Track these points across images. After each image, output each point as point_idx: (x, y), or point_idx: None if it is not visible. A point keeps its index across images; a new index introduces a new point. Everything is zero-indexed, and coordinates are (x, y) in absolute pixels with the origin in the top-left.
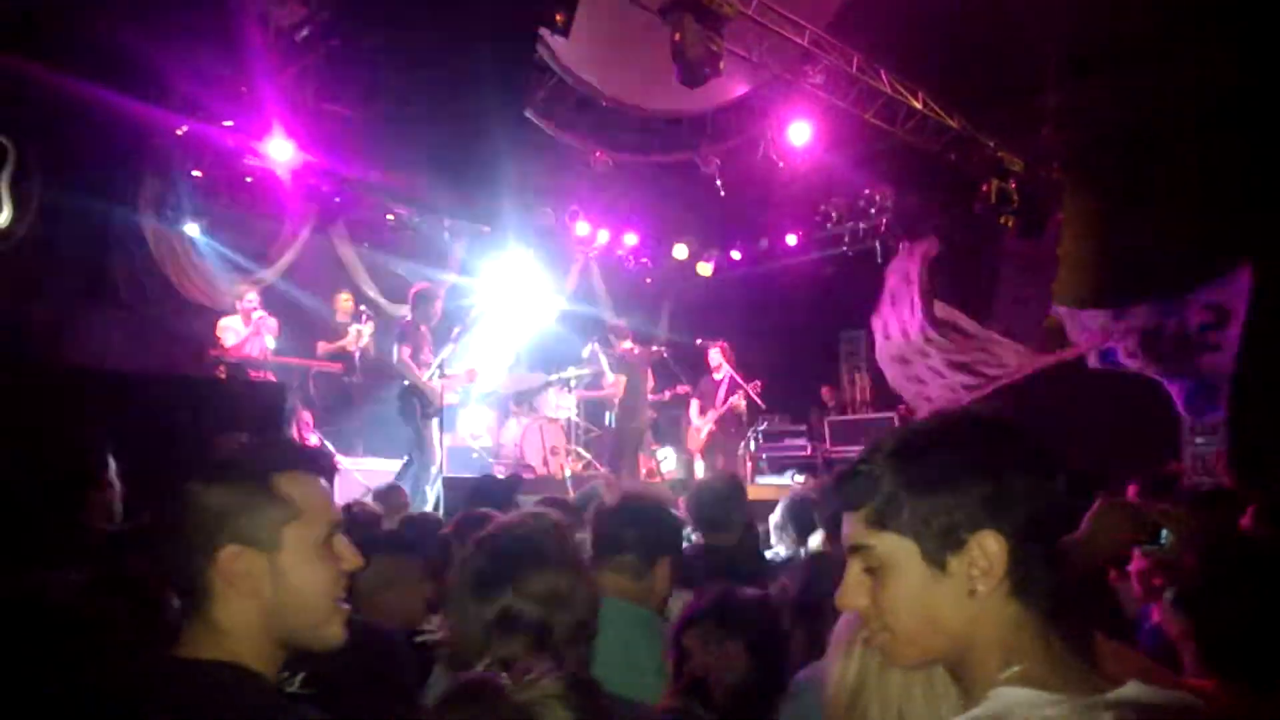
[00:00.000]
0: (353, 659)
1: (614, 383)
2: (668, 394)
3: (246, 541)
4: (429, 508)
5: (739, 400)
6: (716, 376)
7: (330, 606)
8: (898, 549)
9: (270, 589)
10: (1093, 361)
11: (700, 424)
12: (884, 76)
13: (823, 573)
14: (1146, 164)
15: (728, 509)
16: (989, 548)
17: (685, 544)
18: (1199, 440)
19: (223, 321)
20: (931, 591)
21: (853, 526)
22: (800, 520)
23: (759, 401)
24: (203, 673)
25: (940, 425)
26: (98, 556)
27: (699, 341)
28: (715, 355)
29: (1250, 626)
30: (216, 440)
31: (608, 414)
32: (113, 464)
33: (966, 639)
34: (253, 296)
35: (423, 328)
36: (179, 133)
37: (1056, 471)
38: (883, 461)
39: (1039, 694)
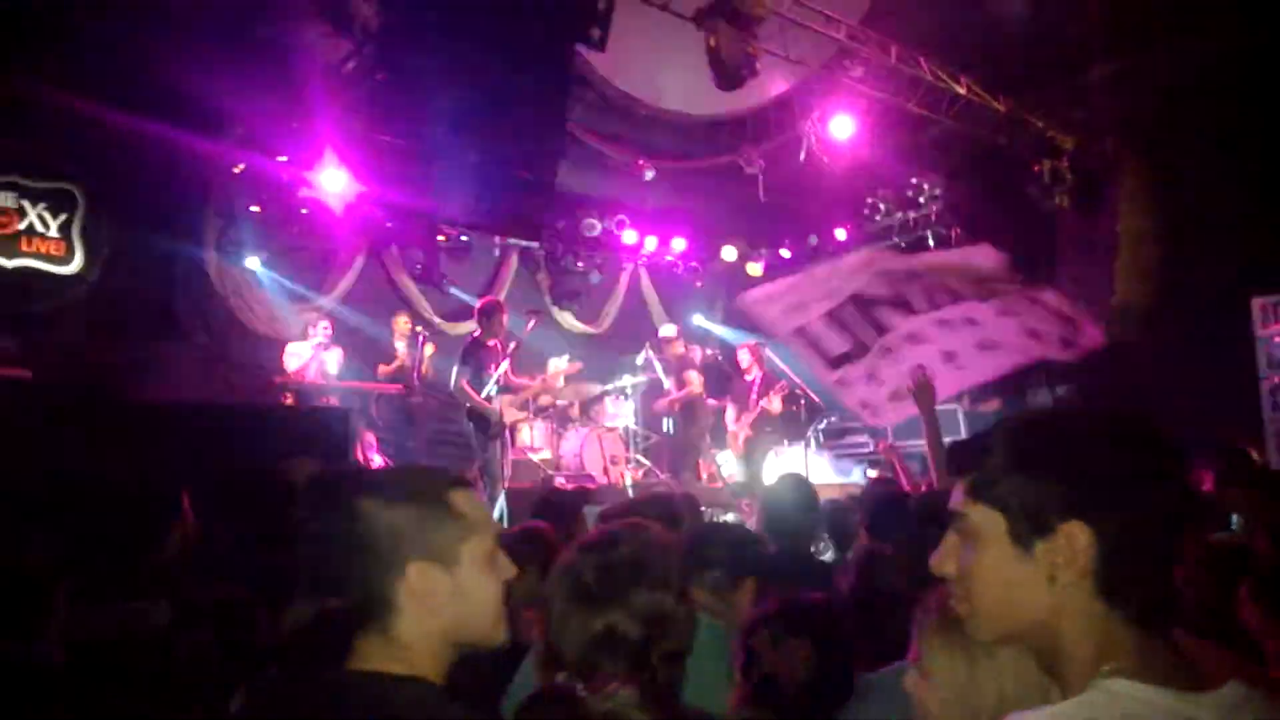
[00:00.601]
0: None
1: (682, 388)
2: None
3: (432, 558)
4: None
5: (771, 402)
6: (748, 378)
7: (499, 615)
8: (987, 522)
9: (451, 604)
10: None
11: (736, 428)
12: (924, 65)
13: (877, 571)
14: (1204, 131)
15: (800, 516)
16: (1076, 539)
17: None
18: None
19: (290, 347)
20: (1014, 571)
21: (956, 493)
22: (837, 529)
23: (814, 398)
24: (393, 686)
25: (1067, 412)
26: (180, 586)
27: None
28: (745, 356)
29: None
30: (286, 464)
31: (665, 420)
32: (187, 496)
33: (1050, 629)
34: (325, 325)
35: (490, 342)
36: (237, 170)
37: (1176, 478)
38: (999, 435)
39: (1144, 687)
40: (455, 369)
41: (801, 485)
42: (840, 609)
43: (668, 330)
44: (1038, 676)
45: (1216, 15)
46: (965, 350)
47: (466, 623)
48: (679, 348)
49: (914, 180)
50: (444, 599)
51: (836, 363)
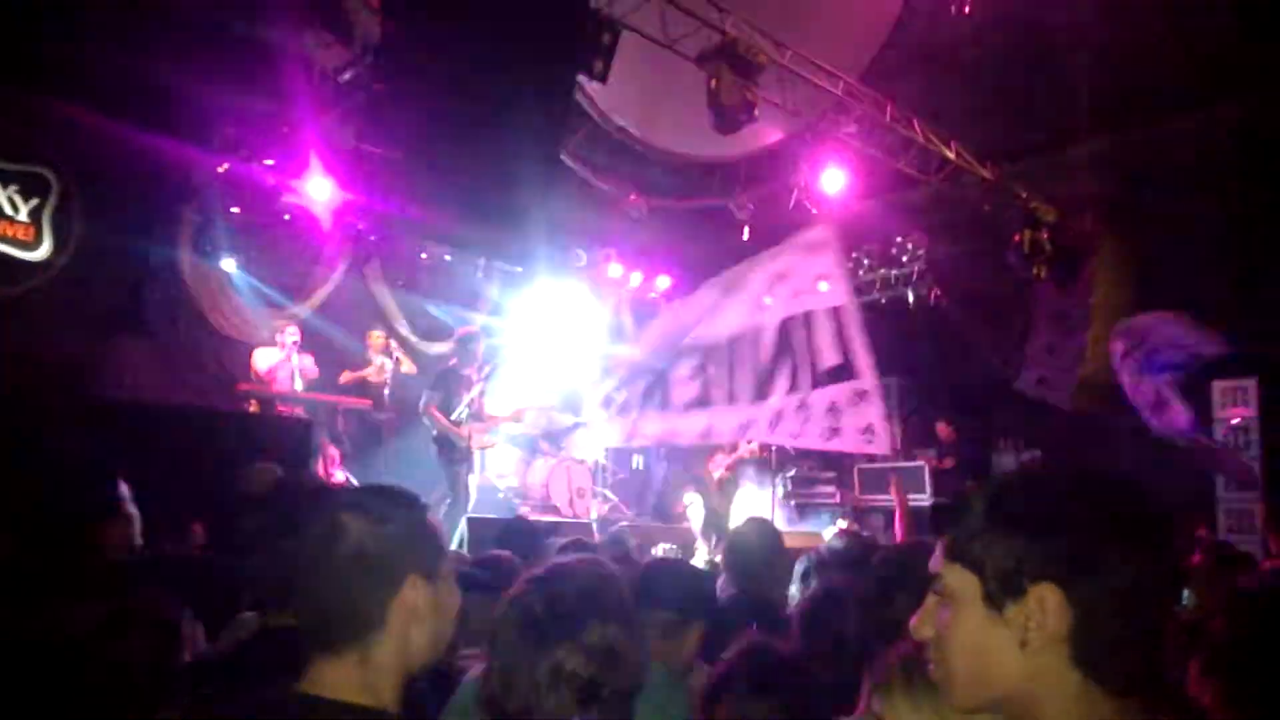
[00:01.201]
0: None
1: None
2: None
3: (423, 572)
4: (453, 547)
5: (752, 445)
6: None
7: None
8: (963, 583)
9: (432, 619)
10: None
11: (712, 469)
12: (916, 126)
13: (831, 615)
14: (1177, 214)
15: (768, 562)
16: (1047, 601)
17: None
18: (1235, 496)
19: (258, 352)
20: (987, 634)
21: (936, 554)
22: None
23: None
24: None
25: (1053, 471)
26: (116, 589)
27: None
28: None
29: None
30: (250, 468)
31: (635, 457)
32: (128, 494)
33: (1026, 698)
34: (293, 330)
35: (465, 371)
36: (220, 170)
37: (1159, 545)
38: (978, 494)
39: None
40: (425, 392)
41: (767, 529)
42: (808, 663)
43: None
44: None
45: (1195, 99)
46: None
47: (437, 640)
48: None
49: (899, 239)
50: (427, 614)
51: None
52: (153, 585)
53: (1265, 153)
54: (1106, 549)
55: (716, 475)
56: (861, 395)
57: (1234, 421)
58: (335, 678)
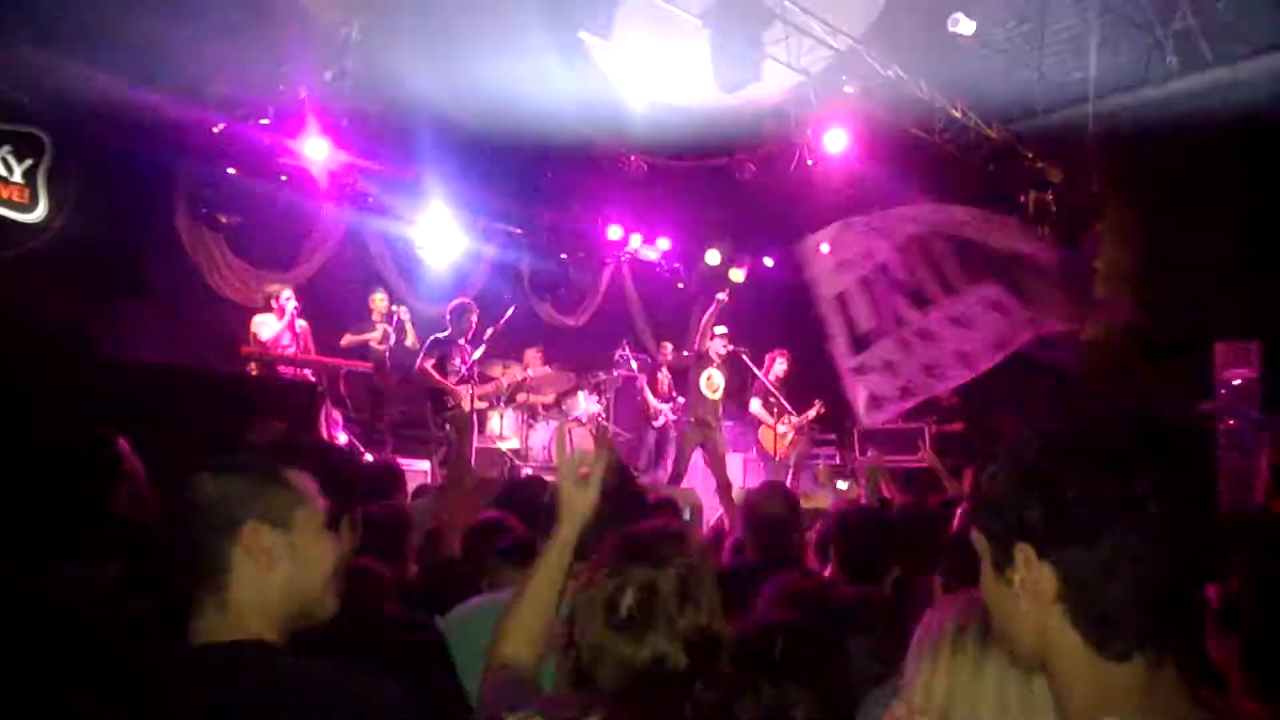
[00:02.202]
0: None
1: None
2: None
3: (266, 519)
4: None
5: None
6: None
7: (330, 583)
8: (980, 545)
9: (287, 563)
10: None
11: (783, 430)
12: (923, 85)
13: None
14: (1187, 177)
15: (786, 531)
16: (1030, 565)
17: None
18: (1237, 455)
19: (257, 318)
20: (1000, 594)
21: None
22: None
23: (785, 405)
24: (231, 652)
25: (1057, 430)
26: (129, 550)
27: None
28: (781, 364)
29: None
30: (255, 427)
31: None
32: (128, 450)
33: (1042, 656)
34: (288, 293)
35: (460, 340)
36: (216, 130)
37: (1169, 511)
38: (997, 455)
39: None
40: (419, 356)
41: (788, 501)
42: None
43: (720, 329)
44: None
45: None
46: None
47: (300, 585)
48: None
49: (902, 199)
50: (278, 558)
51: (860, 343)
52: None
53: (1274, 114)
54: (1089, 512)
55: (789, 438)
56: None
57: (1235, 383)
58: (204, 624)
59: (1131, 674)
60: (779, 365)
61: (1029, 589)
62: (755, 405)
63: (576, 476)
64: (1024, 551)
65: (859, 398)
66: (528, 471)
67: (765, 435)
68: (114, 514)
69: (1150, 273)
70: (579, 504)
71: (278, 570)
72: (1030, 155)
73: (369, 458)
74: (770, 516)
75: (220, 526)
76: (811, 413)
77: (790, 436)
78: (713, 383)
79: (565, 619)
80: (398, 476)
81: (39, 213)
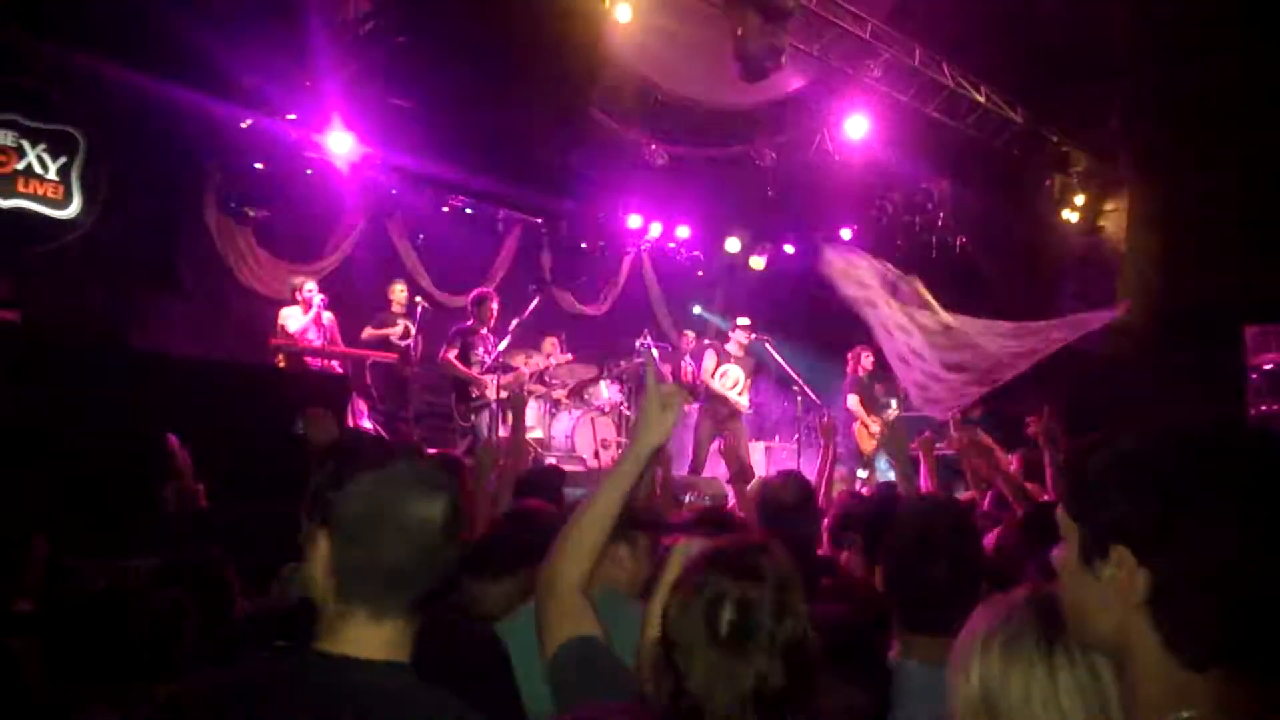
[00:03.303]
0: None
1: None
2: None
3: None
4: None
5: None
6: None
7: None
8: (1070, 531)
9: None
10: None
11: (870, 422)
12: (946, 69)
13: None
14: (1213, 159)
15: (796, 520)
16: (1125, 565)
17: None
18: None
19: (284, 311)
20: (1082, 584)
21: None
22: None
23: (809, 393)
24: (388, 674)
25: (1173, 433)
26: (178, 544)
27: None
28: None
29: None
30: (300, 415)
31: None
32: (177, 447)
33: (1118, 651)
34: (311, 285)
35: (482, 330)
36: (243, 125)
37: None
38: (1096, 448)
39: None
40: (443, 346)
41: (802, 490)
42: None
43: (743, 320)
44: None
45: (1233, 43)
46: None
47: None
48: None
49: (924, 185)
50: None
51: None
52: (207, 540)
53: None
54: (1192, 521)
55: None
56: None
57: (1266, 366)
58: (370, 638)
59: (1208, 682)
60: (865, 359)
61: (1119, 588)
62: (852, 401)
63: (663, 399)
64: (1121, 552)
65: (910, 386)
66: (551, 461)
67: (860, 433)
68: (162, 510)
69: (1178, 255)
70: (658, 425)
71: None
72: (1055, 138)
73: None
74: (784, 505)
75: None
76: (894, 405)
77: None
78: (728, 379)
79: (659, 642)
80: (458, 467)
81: (73, 209)
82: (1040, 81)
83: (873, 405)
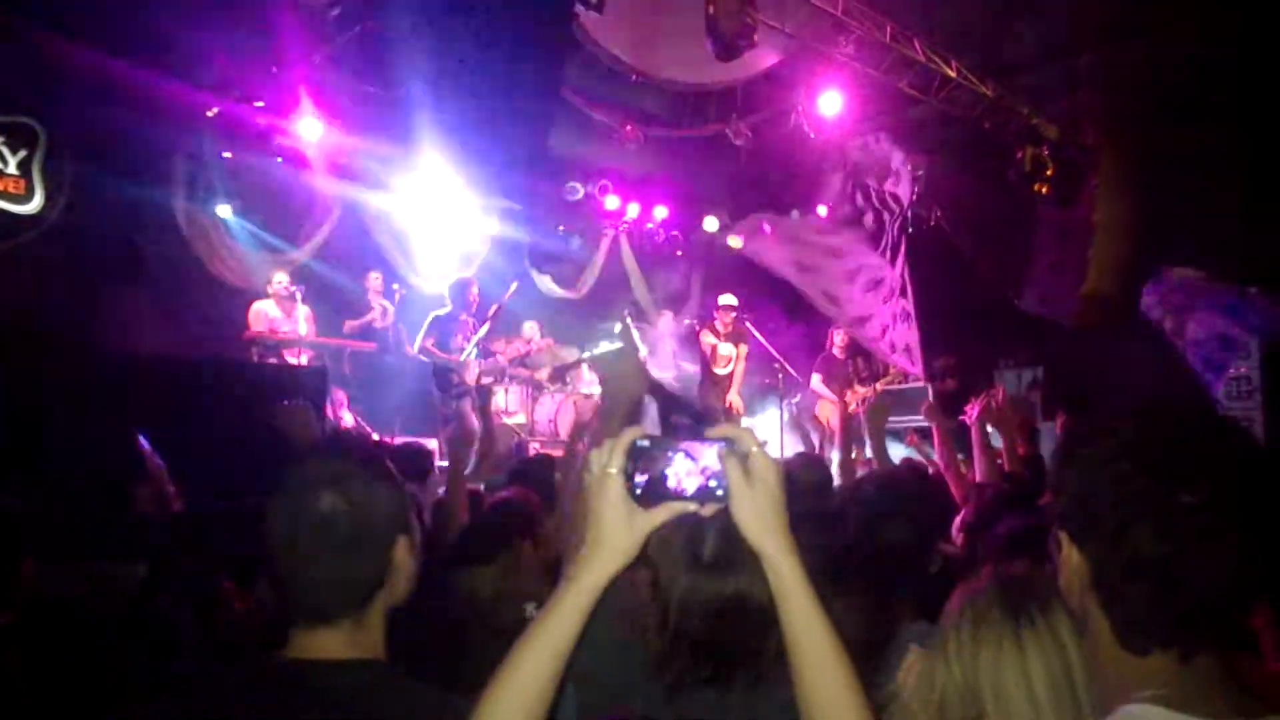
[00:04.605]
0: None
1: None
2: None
3: (408, 530)
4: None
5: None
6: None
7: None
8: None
9: (409, 564)
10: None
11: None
12: (917, 45)
13: None
14: (1183, 128)
15: (822, 500)
16: (1066, 551)
17: None
18: (1234, 408)
19: (256, 305)
20: (1062, 569)
21: None
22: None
23: (790, 371)
24: (361, 672)
25: (1101, 425)
26: (154, 547)
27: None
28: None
29: None
30: (278, 409)
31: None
32: (149, 449)
33: (1092, 635)
34: (282, 278)
35: (461, 316)
36: (210, 114)
37: (1210, 518)
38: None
39: (1170, 714)
40: (420, 333)
41: (823, 472)
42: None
43: (728, 299)
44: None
45: (1202, 13)
46: None
47: (410, 580)
48: (732, 317)
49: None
50: (408, 563)
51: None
52: (184, 542)
53: (1272, 66)
54: (1118, 513)
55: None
56: (906, 316)
57: (1231, 372)
58: (325, 641)
59: (1157, 665)
60: (838, 337)
61: (1068, 574)
62: (815, 381)
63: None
64: (1064, 538)
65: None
66: (535, 446)
67: (823, 409)
68: (138, 512)
69: (1147, 227)
70: (615, 540)
71: (405, 572)
72: (1025, 111)
73: (375, 437)
74: (804, 487)
75: (384, 541)
76: (879, 384)
77: (853, 407)
78: (720, 357)
79: (649, 567)
80: (429, 456)
81: (35, 204)
82: (1011, 54)
83: (845, 383)
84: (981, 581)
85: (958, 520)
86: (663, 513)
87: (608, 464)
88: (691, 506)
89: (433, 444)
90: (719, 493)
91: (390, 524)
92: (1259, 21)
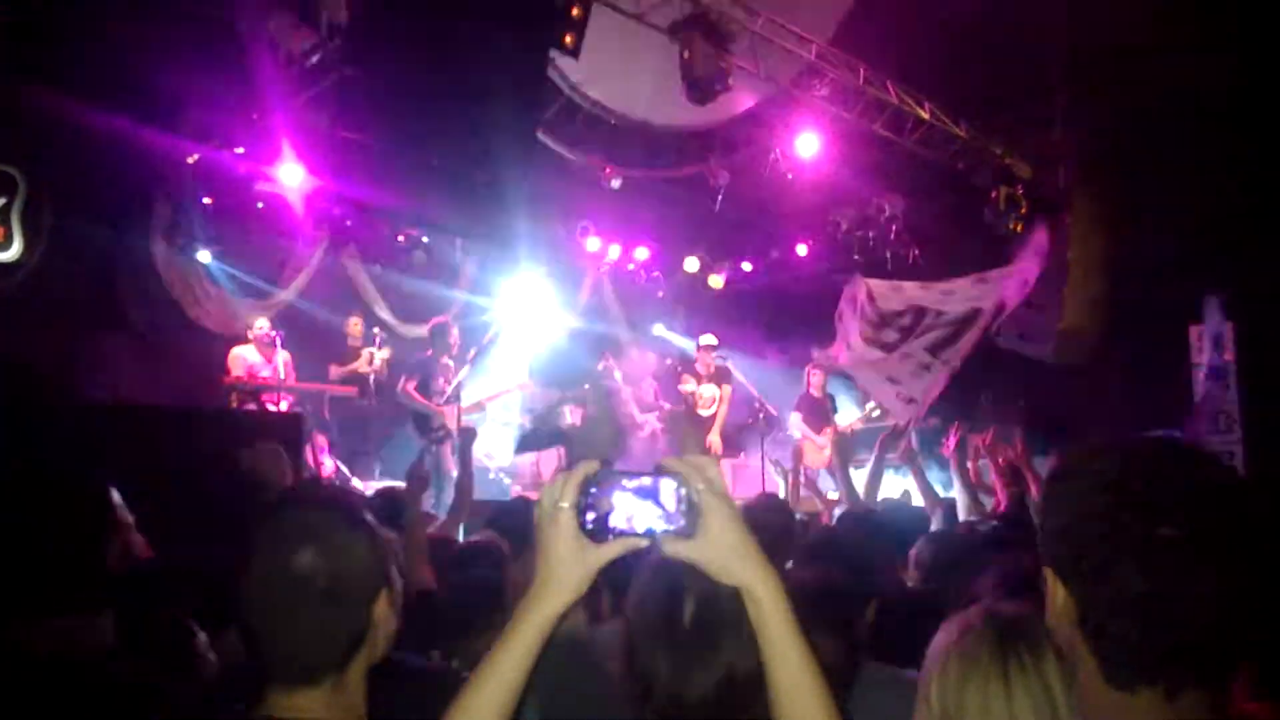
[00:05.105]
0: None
1: (719, 399)
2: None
3: (389, 583)
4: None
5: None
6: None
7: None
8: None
9: (390, 618)
10: None
11: (821, 441)
12: (890, 88)
13: None
14: (1154, 164)
15: (781, 544)
16: (1051, 587)
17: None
18: (1218, 439)
19: (235, 350)
20: (1049, 602)
21: None
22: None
23: (770, 410)
24: None
25: (1082, 463)
26: (122, 600)
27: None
28: (817, 376)
29: None
30: (247, 451)
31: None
32: (119, 501)
33: (1080, 671)
34: (263, 323)
35: (442, 359)
36: (190, 160)
37: (1193, 553)
38: (1048, 478)
39: None
40: (401, 377)
41: (783, 513)
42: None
43: (708, 339)
44: None
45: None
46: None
47: (391, 634)
48: (714, 357)
49: (875, 200)
50: (389, 617)
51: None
52: (158, 596)
53: (1242, 102)
54: (1103, 550)
55: (826, 451)
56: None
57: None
58: (303, 701)
59: (1144, 701)
60: (814, 377)
61: (1055, 606)
62: (795, 420)
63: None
64: (1049, 574)
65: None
66: (517, 490)
67: (808, 448)
68: (105, 565)
69: (1121, 263)
70: (572, 577)
71: (386, 627)
72: (999, 151)
73: (357, 483)
74: (763, 529)
75: (367, 598)
76: (857, 421)
77: (827, 451)
78: (703, 398)
79: (623, 650)
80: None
81: (14, 251)
82: (982, 95)
83: (824, 421)
84: (970, 620)
85: (913, 553)
86: (615, 547)
87: (560, 498)
88: (644, 542)
89: None
90: (671, 528)
91: (370, 579)
92: (1233, 59)
